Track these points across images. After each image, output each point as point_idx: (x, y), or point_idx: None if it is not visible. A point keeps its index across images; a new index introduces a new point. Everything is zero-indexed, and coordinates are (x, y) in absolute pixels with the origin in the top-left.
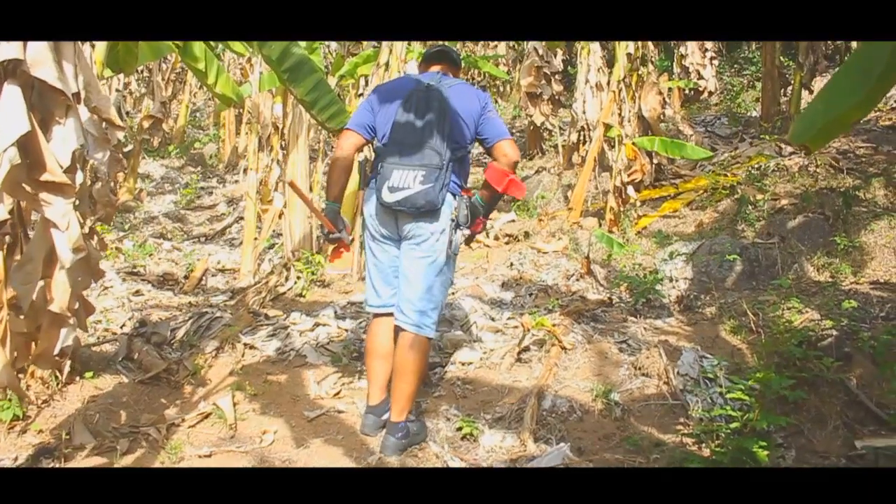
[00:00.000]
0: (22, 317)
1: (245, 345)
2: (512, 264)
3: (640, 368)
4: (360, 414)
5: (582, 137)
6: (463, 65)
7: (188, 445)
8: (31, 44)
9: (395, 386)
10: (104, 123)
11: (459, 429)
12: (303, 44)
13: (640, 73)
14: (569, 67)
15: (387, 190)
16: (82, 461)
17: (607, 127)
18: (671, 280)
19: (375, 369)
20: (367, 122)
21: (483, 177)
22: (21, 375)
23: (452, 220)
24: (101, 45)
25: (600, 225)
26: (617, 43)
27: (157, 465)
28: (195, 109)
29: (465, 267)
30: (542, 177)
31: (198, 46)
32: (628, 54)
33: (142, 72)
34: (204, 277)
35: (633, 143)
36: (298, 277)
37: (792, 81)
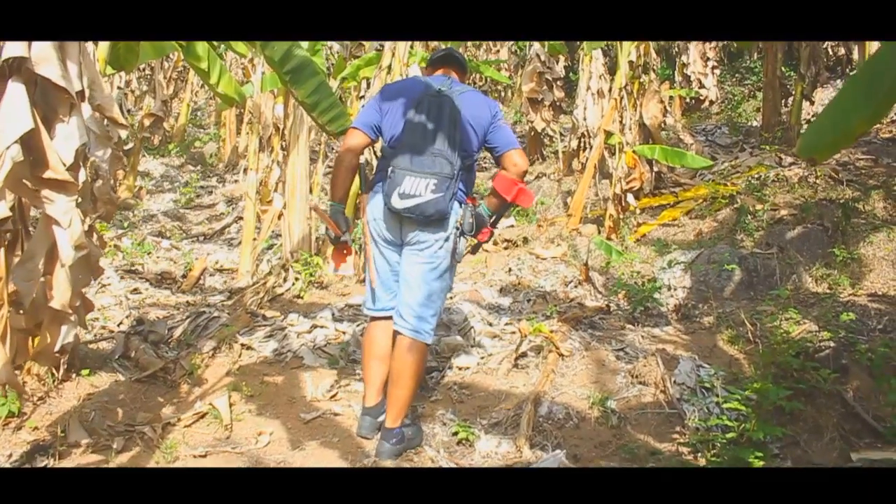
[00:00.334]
0: (22, 313)
1: (242, 345)
2: (510, 270)
3: (637, 376)
4: (356, 417)
5: (582, 144)
6: None
7: (183, 445)
8: (35, 42)
9: (391, 392)
10: (106, 121)
11: (455, 433)
12: (305, 45)
13: (641, 80)
14: (570, 74)
15: (397, 196)
16: (77, 459)
17: (608, 134)
18: (669, 288)
19: (372, 371)
20: (373, 123)
21: (489, 184)
22: (17, 372)
23: (457, 229)
24: (103, 43)
25: (599, 232)
26: (619, 50)
27: (151, 464)
28: (196, 108)
29: (464, 272)
30: (542, 183)
31: (201, 46)
32: (630, 62)
33: (143, 70)
34: (202, 277)
35: (634, 151)
36: (297, 279)
37: (793, 92)
